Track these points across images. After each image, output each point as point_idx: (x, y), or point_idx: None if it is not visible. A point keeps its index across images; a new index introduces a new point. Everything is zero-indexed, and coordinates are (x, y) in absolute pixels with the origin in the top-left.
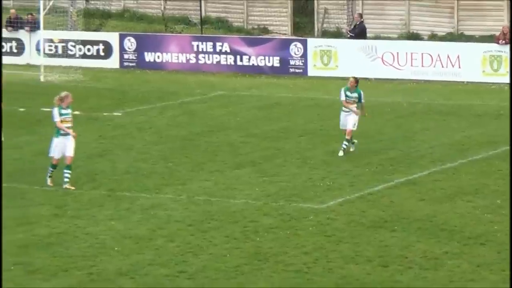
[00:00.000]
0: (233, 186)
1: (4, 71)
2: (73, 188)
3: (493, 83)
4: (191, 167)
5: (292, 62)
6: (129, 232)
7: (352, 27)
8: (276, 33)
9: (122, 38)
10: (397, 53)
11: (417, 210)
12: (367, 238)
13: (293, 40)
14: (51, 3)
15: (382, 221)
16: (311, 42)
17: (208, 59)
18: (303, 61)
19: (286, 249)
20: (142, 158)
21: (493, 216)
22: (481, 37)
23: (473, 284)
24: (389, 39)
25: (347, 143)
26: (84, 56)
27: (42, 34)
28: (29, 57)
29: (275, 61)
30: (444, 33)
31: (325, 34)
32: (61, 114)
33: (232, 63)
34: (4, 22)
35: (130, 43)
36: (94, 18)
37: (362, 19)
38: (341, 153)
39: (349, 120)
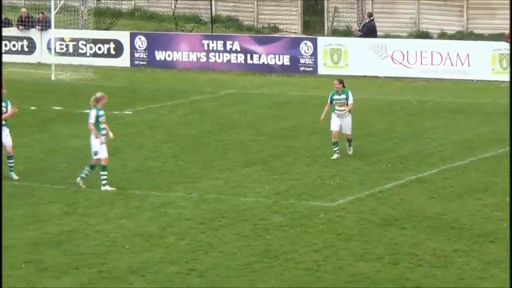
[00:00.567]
0: (243, 184)
1: (15, 69)
2: (114, 188)
3: (502, 81)
4: (201, 165)
5: (302, 61)
6: (139, 230)
7: (362, 25)
8: (286, 31)
9: (132, 36)
10: (407, 51)
11: (427, 208)
12: (377, 236)
13: (303, 39)
14: (62, 2)
15: (392, 219)
16: (321, 40)
17: (219, 58)
18: (313, 59)
19: (296, 247)
20: (152, 156)
21: (502, 214)
22: (490, 36)
23: (482, 281)
24: (399, 38)
25: (350, 144)
26: (95, 54)
27: (53, 33)
28: (40, 55)
29: (285, 60)
30: (453, 32)
31: (335, 32)
32: (98, 116)
33: (243, 61)
34: (15, 21)
35: (141, 42)
36: (105, 17)
37: (371, 18)
38: (350, 151)
39: (345, 125)
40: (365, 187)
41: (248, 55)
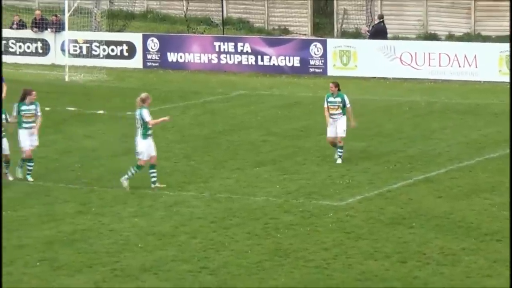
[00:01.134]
0: (254, 184)
1: (30, 71)
2: (163, 185)
3: (509, 82)
4: (213, 165)
5: (312, 62)
6: (152, 229)
7: (370, 27)
8: (296, 33)
9: (145, 38)
10: (415, 53)
11: (434, 207)
12: (385, 235)
13: (313, 41)
14: (75, 4)
15: (400, 218)
16: (331, 42)
17: (230, 59)
18: (322, 61)
19: (306, 245)
20: (165, 157)
21: (509, 213)
22: (497, 37)
23: (489, 279)
24: (407, 40)
25: (341, 150)
26: (108, 56)
27: (67, 34)
28: (54, 57)
29: (295, 61)
30: (461, 34)
31: (345, 34)
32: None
33: (253, 63)
34: (29, 23)
35: (153, 44)
36: (118, 19)
37: (380, 20)
38: (339, 160)
39: (338, 127)
40: (374, 186)
41: (259, 57)
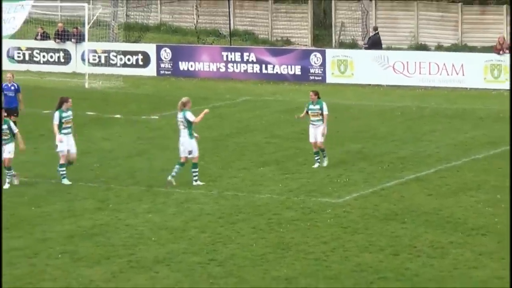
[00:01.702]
0: (258, 183)
1: (52, 78)
2: (203, 183)
3: (493, 89)
4: (221, 165)
5: (312, 71)
6: (165, 224)
7: (367, 39)
8: (298, 44)
9: (159, 49)
10: (407, 62)
11: (425, 204)
12: (379, 230)
13: (313, 51)
14: (95, 17)
15: (393, 214)
16: (329, 52)
17: (236, 68)
18: (322, 69)
19: (306, 239)
20: (176, 157)
21: (493, 209)
22: (482, 48)
23: (475, 271)
24: (400, 50)
25: (324, 153)
26: (124, 65)
27: (87, 45)
28: (75, 66)
29: (297, 70)
30: (449, 44)
31: (342, 45)
32: None
33: (258, 71)
34: (52, 35)
35: (166, 54)
36: (134, 31)
37: (376, 31)
38: (325, 163)
39: (318, 133)
40: (369, 185)
41: (263, 66)
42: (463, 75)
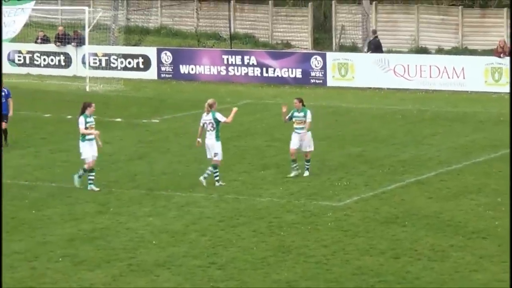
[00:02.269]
0: (259, 186)
1: (53, 82)
2: (224, 183)
3: (494, 92)
4: (221, 168)
5: (312, 74)
6: (165, 227)
7: (367, 43)
8: (298, 47)
9: (159, 52)
10: (408, 65)
11: (425, 207)
12: (380, 233)
13: (313, 54)
14: (95, 21)
15: (394, 217)
16: (330, 55)
17: (237, 71)
18: (322, 72)
19: (307, 242)
20: (177, 160)
21: (494, 212)
22: (483, 51)
23: (476, 274)
24: (400, 53)
25: (308, 163)
26: (125, 68)
27: (87, 48)
28: (76, 69)
29: (298, 73)
30: (450, 47)
31: (342, 48)
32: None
33: (259, 74)
34: (53, 38)
35: (167, 57)
36: (134, 34)
37: (375, 35)
38: (306, 173)
39: (305, 143)
40: (370, 188)
41: (264, 69)
42: (464, 78)
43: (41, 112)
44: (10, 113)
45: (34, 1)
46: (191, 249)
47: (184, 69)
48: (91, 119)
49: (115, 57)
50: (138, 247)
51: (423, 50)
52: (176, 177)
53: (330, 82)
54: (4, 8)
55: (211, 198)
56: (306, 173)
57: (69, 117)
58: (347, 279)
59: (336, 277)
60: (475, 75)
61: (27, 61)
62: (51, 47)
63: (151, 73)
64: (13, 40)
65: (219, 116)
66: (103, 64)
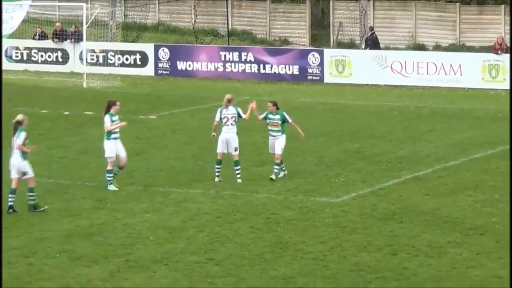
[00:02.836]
0: (256, 182)
1: (50, 78)
2: (239, 181)
3: (491, 89)
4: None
5: (310, 70)
6: (162, 223)
7: (363, 40)
8: (296, 44)
9: (157, 48)
10: (405, 62)
11: (422, 204)
12: (377, 229)
13: (311, 51)
14: (93, 17)
15: (391, 213)
16: (327, 52)
17: (235, 68)
18: (320, 69)
19: (304, 238)
20: (174, 157)
21: (491, 209)
22: (480, 48)
23: (473, 270)
24: (398, 50)
25: (277, 167)
26: (122, 64)
27: (85, 45)
28: (73, 65)
29: (295, 69)
30: (447, 44)
31: (340, 45)
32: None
33: (256, 71)
34: (50, 34)
35: (164, 53)
36: (132, 31)
37: (372, 32)
38: (273, 176)
39: (277, 145)
40: (367, 184)
41: (261, 65)
42: (461, 75)
43: (38, 108)
44: None
45: None
46: (189, 245)
47: (181, 65)
48: (116, 117)
49: (113, 54)
50: (136, 243)
51: (421, 47)
52: (173, 173)
53: (328, 79)
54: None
55: (209, 194)
56: (273, 176)
57: (66, 113)
58: (345, 276)
59: (334, 273)
60: (472, 72)
61: (25, 57)
62: (48, 43)
63: (149, 70)
64: (11, 36)
65: (241, 111)
66: (101, 60)
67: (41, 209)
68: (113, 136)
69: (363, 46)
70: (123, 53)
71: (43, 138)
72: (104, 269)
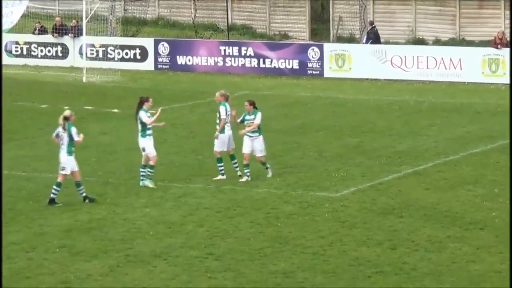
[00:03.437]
0: (256, 177)
1: (50, 73)
2: (240, 173)
3: (491, 83)
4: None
5: (310, 65)
6: (162, 218)
7: (364, 35)
8: (296, 38)
9: (156, 43)
10: (405, 56)
11: (422, 198)
12: (377, 224)
13: (311, 45)
14: (92, 12)
15: (391, 208)
16: (327, 46)
17: (234, 62)
18: (320, 63)
19: (304, 233)
20: (174, 151)
21: (491, 203)
22: (480, 42)
23: (473, 265)
24: (398, 44)
25: (266, 166)
26: (122, 59)
27: (85, 39)
28: (73, 60)
29: (295, 64)
30: (447, 38)
31: (340, 39)
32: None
33: (256, 65)
34: (50, 29)
35: (164, 48)
36: (131, 25)
37: (372, 26)
38: (269, 174)
39: (256, 147)
40: (367, 179)
41: (261, 60)
42: (461, 69)
43: (38, 103)
44: None
45: None
46: (188, 240)
47: (181, 60)
48: (149, 113)
49: (112, 48)
50: (135, 238)
51: (420, 41)
52: (173, 168)
53: (327, 73)
54: None
55: (208, 189)
56: (269, 174)
57: (66, 108)
58: (344, 270)
59: (333, 268)
60: (472, 66)
61: (24, 52)
62: (48, 38)
63: (148, 64)
64: (11, 31)
65: (221, 110)
66: (100, 55)
67: (92, 198)
68: (148, 132)
69: (364, 41)
70: (122, 47)
71: (43, 133)
72: (104, 263)
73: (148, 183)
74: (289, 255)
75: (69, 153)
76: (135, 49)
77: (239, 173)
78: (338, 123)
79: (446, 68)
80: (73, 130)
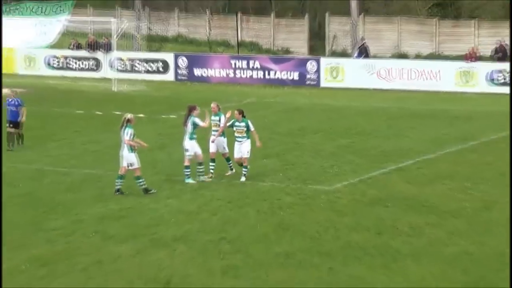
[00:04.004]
0: (262, 172)
1: (85, 83)
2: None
3: (464, 92)
4: (230, 157)
5: (308, 76)
6: (181, 208)
7: (358, 50)
8: (296, 53)
9: (176, 57)
10: (390, 68)
11: (404, 191)
12: (366, 213)
13: (309, 59)
14: (121, 30)
15: (377, 199)
16: (323, 60)
17: (243, 74)
18: (317, 75)
19: (303, 220)
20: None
21: (463, 195)
22: (456, 56)
23: (447, 248)
24: (384, 58)
25: (245, 169)
26: (147, 71)
27: (114, 54)
28: (104, 72)
29: (295, 75)
30: (427, 53)
31: (334, 54)
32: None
33: (262, 77)
34: (85, 45)
35: (183, 61)
36: (155, 42)
37: (363, 42)
38: (243, 179)
39: (243, 148)
40: (357, 174)
41: (266, 72)
42: (439, 80)
43: (74, 109)
44: (23, 119)
45: (70, 14)
46: (204, 226)
47: (198, 72)
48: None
49: (138, 62)
50: (159, 225)
51: (404, 56)
52: (191, 164)
53: (323, 84)
54: (41, 18)
55: (221, 183)
56: (243, 179)
57: (99, 113)
58: (337, 252)
59: (328, 250)
60: (448, 78)
61: (63, 65)
62: (83, 53)
63: (170, 76)
64: (53, 47)
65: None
66: (128, 67)
67: (152, 191)
68: (194, 136)
69: (355, 55)
70: (147, 61)
71: (78, 134)
72: (132, 247)
73: (191, 180)
74: (290, 239)
75: (130, 150)
76: (158, 63)
77: (233, 171)
78: (333, 126)
79: (425, 79)
80: (129, 132)
